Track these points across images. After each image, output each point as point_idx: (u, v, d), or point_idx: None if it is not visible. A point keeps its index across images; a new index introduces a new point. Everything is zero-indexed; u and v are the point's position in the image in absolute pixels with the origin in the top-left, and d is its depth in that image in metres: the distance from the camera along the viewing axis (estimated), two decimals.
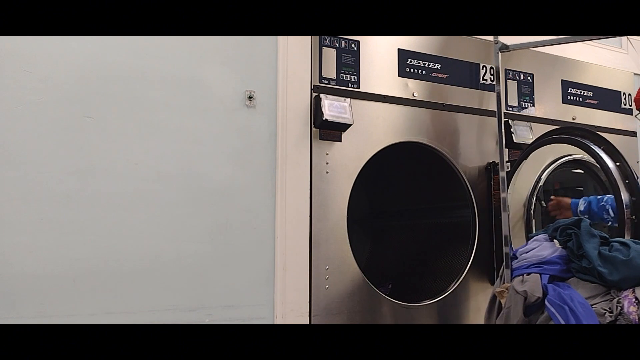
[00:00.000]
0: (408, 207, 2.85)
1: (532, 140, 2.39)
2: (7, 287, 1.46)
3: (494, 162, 2.30)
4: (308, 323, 1.83)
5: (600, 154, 1.85)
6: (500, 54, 1.84)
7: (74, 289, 1.53)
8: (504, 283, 1.68)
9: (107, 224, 1.58)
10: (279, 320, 1.78)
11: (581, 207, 2.16)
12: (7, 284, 1.46)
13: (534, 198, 2.28)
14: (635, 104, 2.03)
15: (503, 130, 1.82)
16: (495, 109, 2.05)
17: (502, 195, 1.76)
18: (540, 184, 2.31)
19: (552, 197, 2.36)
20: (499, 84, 1.79)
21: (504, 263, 1.70)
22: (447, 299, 2.15)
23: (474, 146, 2.30)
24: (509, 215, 1.76)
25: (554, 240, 1.71)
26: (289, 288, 1.81)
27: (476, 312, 2.21)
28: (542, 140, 2.07)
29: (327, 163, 1.94)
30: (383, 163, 2.12)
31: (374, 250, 2.95)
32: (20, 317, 1.47)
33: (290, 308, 1.81)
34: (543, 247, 1.69)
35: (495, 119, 2.06)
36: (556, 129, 2.15)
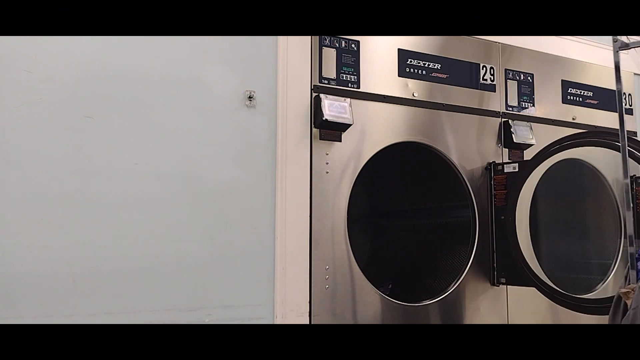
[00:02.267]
0: (408, 207, 2.85)
1: (533, 140, 2.40)
2: (7, 287, 1.46)
3: (494, 162, 2.30)
4: (308, 323, 1.83)
5: None
6: (620, 52, 1.76)
7: (74, 289, 1.53)
8: (629, 284, 1.66)
9: (107, 224, 1.58)
10: (279, 320, 1.78)
11: None
12: (7, 284, 1.46)
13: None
14: None
15: (625, 126, 1.75)
16: (498, 109, 2.04)
17: (626, 199, 1.70)
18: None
19: None
20: (620, 82, 1.74)
21: (629, 264, 1.68)
22: (447, 299, 2.15)
23: (474, 146, 2.30)
24: (633, 214, 1.72)
25: None
26: (289, 288, 1.81)
27: (476, 312, 2.21)
28: (572, 142, 2.00)
29: (327, 163, 1.94)
30: (383, 163, 2.12)
31: (374, 250, 2.94)
32: (20, 317, 1.47)
33: (290, 308, 1.81)
34: None
35: (496, 119, 2.06)
36: (580, 132, 2.09)
